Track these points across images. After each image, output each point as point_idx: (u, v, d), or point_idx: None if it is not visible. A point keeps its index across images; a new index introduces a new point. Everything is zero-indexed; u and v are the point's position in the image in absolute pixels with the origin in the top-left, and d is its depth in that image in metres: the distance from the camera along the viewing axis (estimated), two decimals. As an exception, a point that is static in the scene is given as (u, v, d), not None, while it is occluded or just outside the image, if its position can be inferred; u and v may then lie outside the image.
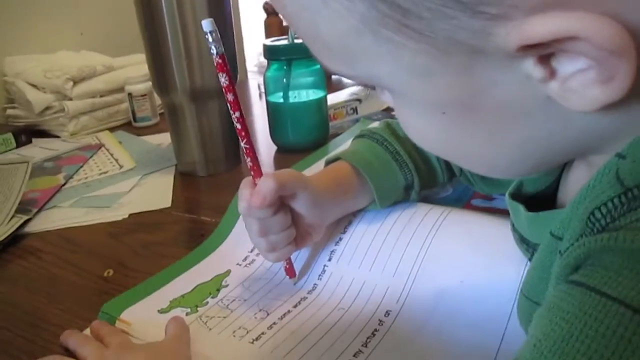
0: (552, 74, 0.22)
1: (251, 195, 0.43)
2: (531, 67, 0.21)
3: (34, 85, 0.99)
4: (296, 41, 0.76)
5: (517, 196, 0.36)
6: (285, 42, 0.76)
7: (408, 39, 0.22)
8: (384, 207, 0.52)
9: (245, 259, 0.52)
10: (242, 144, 0.45)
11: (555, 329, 0.20)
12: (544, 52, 0.21)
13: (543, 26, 0.20)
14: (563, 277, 0.23)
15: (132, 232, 0.61)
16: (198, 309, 0.46)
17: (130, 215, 0.65)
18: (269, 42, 0.77)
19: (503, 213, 0.51)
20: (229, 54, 0.71)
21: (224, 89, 0.43)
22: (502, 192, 0.54)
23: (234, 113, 0.43)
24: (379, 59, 0.24)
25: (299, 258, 0.50)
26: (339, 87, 1.18)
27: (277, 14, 1.38)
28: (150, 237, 0.60)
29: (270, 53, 0.76)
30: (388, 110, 0.95)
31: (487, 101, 0.24)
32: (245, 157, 0.46)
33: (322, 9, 0.23)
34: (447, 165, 0.54)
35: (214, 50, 0.41)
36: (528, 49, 0.21)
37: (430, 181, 0.54)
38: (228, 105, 0.43)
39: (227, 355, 0.39)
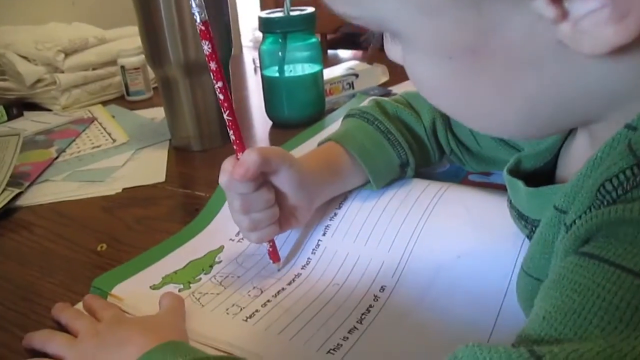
0: (564, 15, 0.21)
1: (233, 168, 0.42)
2: (543, 6, 0.21)
3: (24, 57, 0.97)
4: (292, 14, 0.74)
5: (515, 172, 0.35)
6: (280, 14, 0.75)
7: None
8: (380, 188, 0.51)
9: (238, 233, 0.52)
10: (225, 116, 0.43)
11: (567, 300, 0.20)
12: None
13: None
14: (573, 249, 0.23)
15: (125, 207, 0.61)
16: (191, 285, 0.46)
17: (124, 189, 0.64)
18: (264, 14, 0.76)
19: (500, 188, 0.51)
20: (223, 26, 0.71)
21: (206, 57, 0.41)
22: (492, 169, 0.54)
23: (217, 83, 0.42)
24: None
25: (292, 235, 0.50)
26: (335, 61, 1.16)
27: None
28: (144, 212, 0.59)
29: (265, 25, 0.75)
30: (385, 84, 0.94)
31: (495, 43, 0.23)
32: (228, 130, 0.44)
33: None
34: (438, 143, 0.53)
35: (197, 17, 0.40)
36: None
37: (423, 159, 0.54)
38: (211, 74, 0.42)
39: (220, 333, 0.39)
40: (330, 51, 1.31)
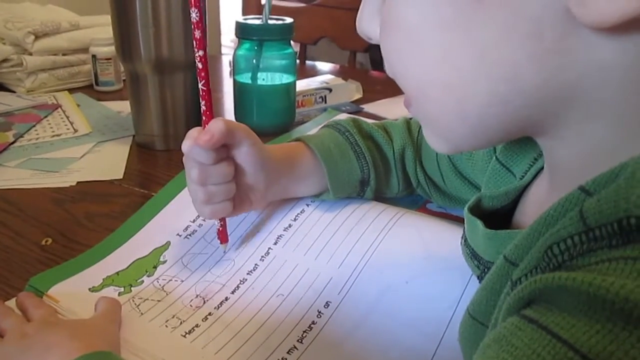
0: None
1: (198, 135, 0.42)
2: None
3: (-7, 35, 0.94)
4: (270, 22, 0.74)
5: (475, 211, 0.35)
6: (258, 21, 0.74)
7: None
8: (337, 197, 0.51)
9: (186, 228, 0.51)
10: (200, 85, 0.44)
11: None
12: None
13: None
14: (515, 309, 0.22)
15: (77, 201, 0.59)
16: (132, 288, 0.44)
17: (78, 183, 0.63)
18: (242, 19, 0.75)
19: (456, 220, 0.51)
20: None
21: (193, 25, 0.42)
22: (457, 206, 0.54)
23: (197, 51, 0.43)
24: None
25: (243, 239, 0.50)
26: (313, 72, 1.16)
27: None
28: (96, 208, 0.57)
29: (242, 31, 0.74)
30: (358, 101, 0.94)
31: None
32: (201, 100, 0.45)
33: None
34: (404, 172, 0.54)
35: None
36: None
37: (385, 184, 0.54)
38: (194, 42, 0.43)
39: (156, 348, 0.38)
40: (308, 62, 1.30)
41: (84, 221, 0.55)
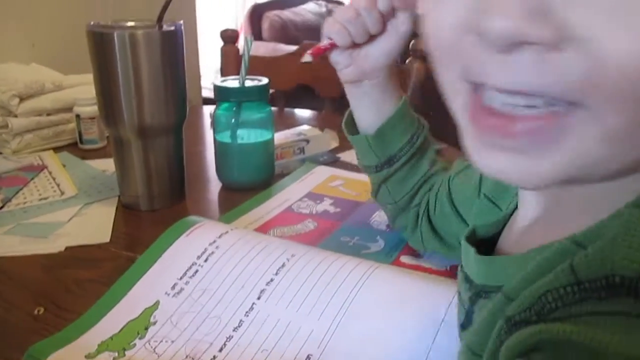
0: None
1: None
2: None
3: (-22, 98, 0.97)
4: (246, 84, 0.78)
5: (471, 239, 0.38)
6: (236, 82, 0.78)
7: None
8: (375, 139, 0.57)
9: (173, 286, 0.53)
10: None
11: None
12: None
13: None
14: (518, 354, 0.23)
15: (66, 267, 0.61)
16: (125, 352, 0.47)
17: (67, 248, 0.65)
18: (219, 82, 0.79)
19: (429, 271, 0.55)
20: (179, 92, 0.73)
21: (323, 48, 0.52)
22: (431, 247, 0.58)
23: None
24: None
25: (227, 295, 0.52)
26: (291, 120, 1.21)
27: (234, 43, 1.39)
28: (85, 274, 0.60)
29: (220, 94, 0.78)
30: (334, 150, 0.98)
31: None
32: None
33: None
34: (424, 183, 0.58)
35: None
36: None
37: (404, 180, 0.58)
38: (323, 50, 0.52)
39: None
40: (286, 109, 1.35)
41: (73, 287, 0.57)
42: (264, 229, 0.67)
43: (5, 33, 1.18)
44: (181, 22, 0.72)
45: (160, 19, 0.68)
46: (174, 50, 0.71)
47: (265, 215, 0.71)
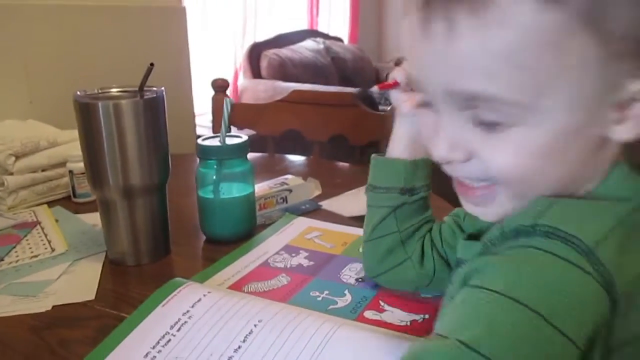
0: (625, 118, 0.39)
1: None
2: (613, 114, 0.39)
3: (-24, 157, 1.02)
4: (227, 142, 0.82)
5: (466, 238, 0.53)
6: (217, 141, 0.83)
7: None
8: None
9: (146, 355, 0.56)
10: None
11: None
12: None
13: None
14: (463, 284, 0.40)
15: (52, 327, 0.64)
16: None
17: (54, 307, 0.68)
18: (201, 141, 0.83)
19: (391, 327, 0.58)
20: (162, 154, 0.77)
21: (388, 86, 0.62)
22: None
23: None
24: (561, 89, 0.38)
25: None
26: (281, 168, 1.25)
27: (224, 92, 1.44)
28: (69, 334, 0.63)
29: (202, 153, 0.83)
30: (317, 198, 1.02)
31: (582, 139, 0.40)
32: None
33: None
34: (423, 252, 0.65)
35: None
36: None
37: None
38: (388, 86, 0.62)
39: None
40: (277, 155, 1.39)
41: (57, 348, 0.60)
42: (239, 285, 0.70)
43: (4, 91, 1.24)
44: (162, 88, 0.77)
45: (141, 88, 0.73)
46: (156, 116, 0.75)
47: (243, 270, 0.74)
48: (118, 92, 0.77)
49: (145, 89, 0.75)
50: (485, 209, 0.45)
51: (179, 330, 0.58)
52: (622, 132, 0.39)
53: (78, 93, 0.74)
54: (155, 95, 0.75)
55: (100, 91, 0.77)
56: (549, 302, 0.35)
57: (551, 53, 0.36)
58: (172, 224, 0.84)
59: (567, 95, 0.37)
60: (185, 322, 0.58)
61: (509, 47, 0.36)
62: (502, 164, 0.40)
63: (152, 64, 0.69)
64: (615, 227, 0.38)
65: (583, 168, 0.41)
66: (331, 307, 0.64)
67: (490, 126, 0.39)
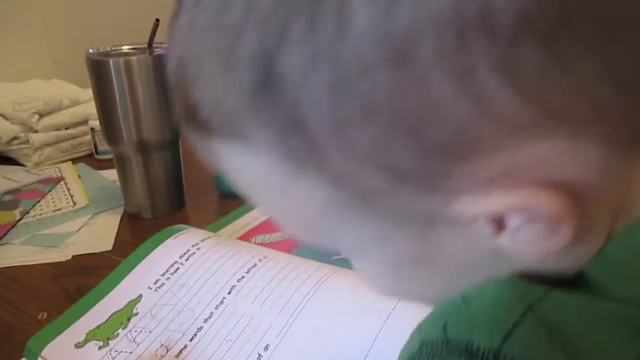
0: (502, 227, 0.23)
1: None
2: (482, 226, 0.23)
3: (2, 116, 1.06)
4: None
5: None
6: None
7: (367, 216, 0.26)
8: None
9: (156, 282, 0.59)
10: None
11: None
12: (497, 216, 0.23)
13: (499, 200, 0.22)
14: None
15: (71, 275, 0.68)
16: (109, 341, 0.53)
17: (73, 256, 0.72)
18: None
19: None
20: (173, 110, 0.78)
21: None
22: None
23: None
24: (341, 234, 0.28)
25: (202, 290, 0.57)
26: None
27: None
28: (85, 281, 0.66)
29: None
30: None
31: (439, 257, 0.27)
32: None
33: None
34: None
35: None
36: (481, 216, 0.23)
37: None
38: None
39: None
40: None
41: (75, 295, 0.64)
42: (247, 236, 0.72)
43: (28, 52, 1.27)
44: (173, 44, 0.77)
45: (150, 45, 0.74)
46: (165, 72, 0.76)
47: (252, 222, 0.76)
48: (129, 49, 0.78)
49: (155, 45, 0.76)
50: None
51: (187, 259, 0.61)
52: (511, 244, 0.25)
53: (90, 51, 0.76)
54: (165, 52, 0.76)
55: (112, 48, 0.79)
56: None
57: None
58: (187, 179, 0.86)
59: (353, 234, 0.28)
60: (194, 252, 0.61)
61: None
62: (365, 269, 0.33)
63: (157, 20, 0.70)
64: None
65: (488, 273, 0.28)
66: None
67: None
